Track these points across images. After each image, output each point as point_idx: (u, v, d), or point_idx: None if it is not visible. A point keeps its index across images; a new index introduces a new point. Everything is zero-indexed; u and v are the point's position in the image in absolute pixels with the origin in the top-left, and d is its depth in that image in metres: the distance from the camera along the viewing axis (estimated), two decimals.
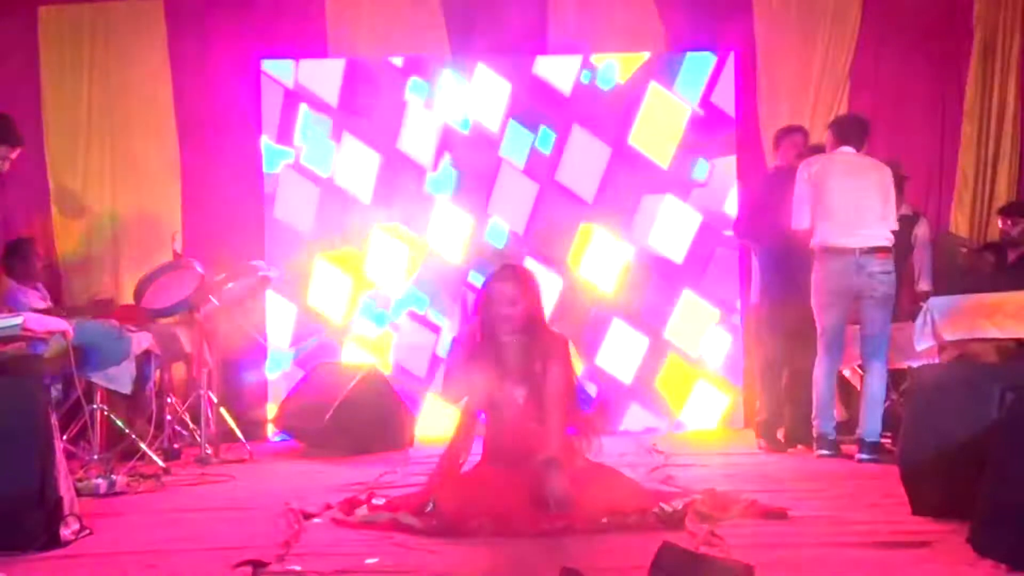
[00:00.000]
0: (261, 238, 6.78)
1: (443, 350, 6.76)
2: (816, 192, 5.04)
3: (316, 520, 3.52)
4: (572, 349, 3.55)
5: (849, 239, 4.97)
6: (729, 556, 2.73)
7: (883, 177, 5.10)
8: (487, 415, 3.57)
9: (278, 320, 6.92)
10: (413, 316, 6.94)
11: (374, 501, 3.71)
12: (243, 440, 5.57)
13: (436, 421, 6.54)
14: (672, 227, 6.93)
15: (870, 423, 4.97)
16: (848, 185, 5.05)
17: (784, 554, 2.84)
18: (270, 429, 6.60)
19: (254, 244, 6.64)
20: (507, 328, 3.46)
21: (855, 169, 5.11)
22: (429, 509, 3.26)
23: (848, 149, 5.13)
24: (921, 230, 6.06)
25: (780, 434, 5.43)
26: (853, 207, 5.02)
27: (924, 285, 6.08)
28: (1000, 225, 6.19)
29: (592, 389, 5.68)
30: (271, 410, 6.64)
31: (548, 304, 3.78)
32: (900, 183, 5.58)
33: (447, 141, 6.98)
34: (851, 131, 5.18)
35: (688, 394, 6.92)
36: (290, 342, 6.91)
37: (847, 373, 5.65)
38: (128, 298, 6.10)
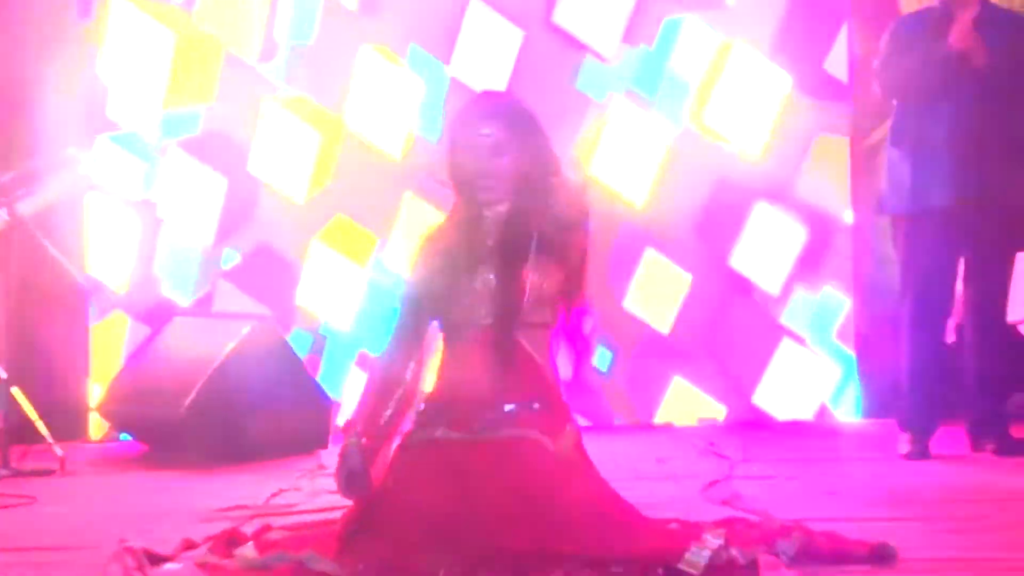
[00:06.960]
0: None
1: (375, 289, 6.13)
2: None
3: (170, 567, 3.25)
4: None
5: None
6: None
7: None
8: (444, 341, 3.27)
9: (109, 244, 6.11)
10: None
11: (266, 535, 3.38)
12: (50, 440, 5.17)
13: None
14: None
15: None
16: None
17: None
18: (95, 423, 6.05)
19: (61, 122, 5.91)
20: (488, 194, 3.16)
21: None
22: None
23: None
24: None
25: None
26: None
27: None
28: None
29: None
30: (96, 393, 5.99)
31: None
32: None
33: None
34: None
35: (767, 364, 6.21)
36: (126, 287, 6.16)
37: None
38: None
